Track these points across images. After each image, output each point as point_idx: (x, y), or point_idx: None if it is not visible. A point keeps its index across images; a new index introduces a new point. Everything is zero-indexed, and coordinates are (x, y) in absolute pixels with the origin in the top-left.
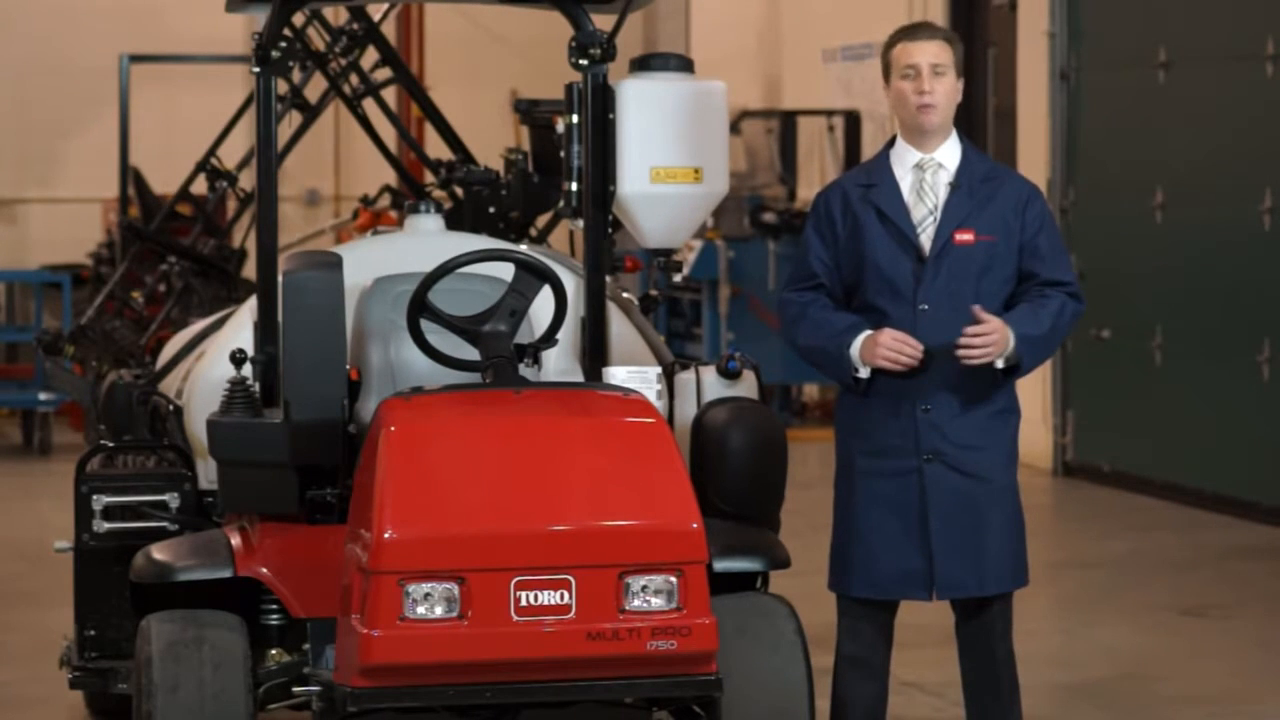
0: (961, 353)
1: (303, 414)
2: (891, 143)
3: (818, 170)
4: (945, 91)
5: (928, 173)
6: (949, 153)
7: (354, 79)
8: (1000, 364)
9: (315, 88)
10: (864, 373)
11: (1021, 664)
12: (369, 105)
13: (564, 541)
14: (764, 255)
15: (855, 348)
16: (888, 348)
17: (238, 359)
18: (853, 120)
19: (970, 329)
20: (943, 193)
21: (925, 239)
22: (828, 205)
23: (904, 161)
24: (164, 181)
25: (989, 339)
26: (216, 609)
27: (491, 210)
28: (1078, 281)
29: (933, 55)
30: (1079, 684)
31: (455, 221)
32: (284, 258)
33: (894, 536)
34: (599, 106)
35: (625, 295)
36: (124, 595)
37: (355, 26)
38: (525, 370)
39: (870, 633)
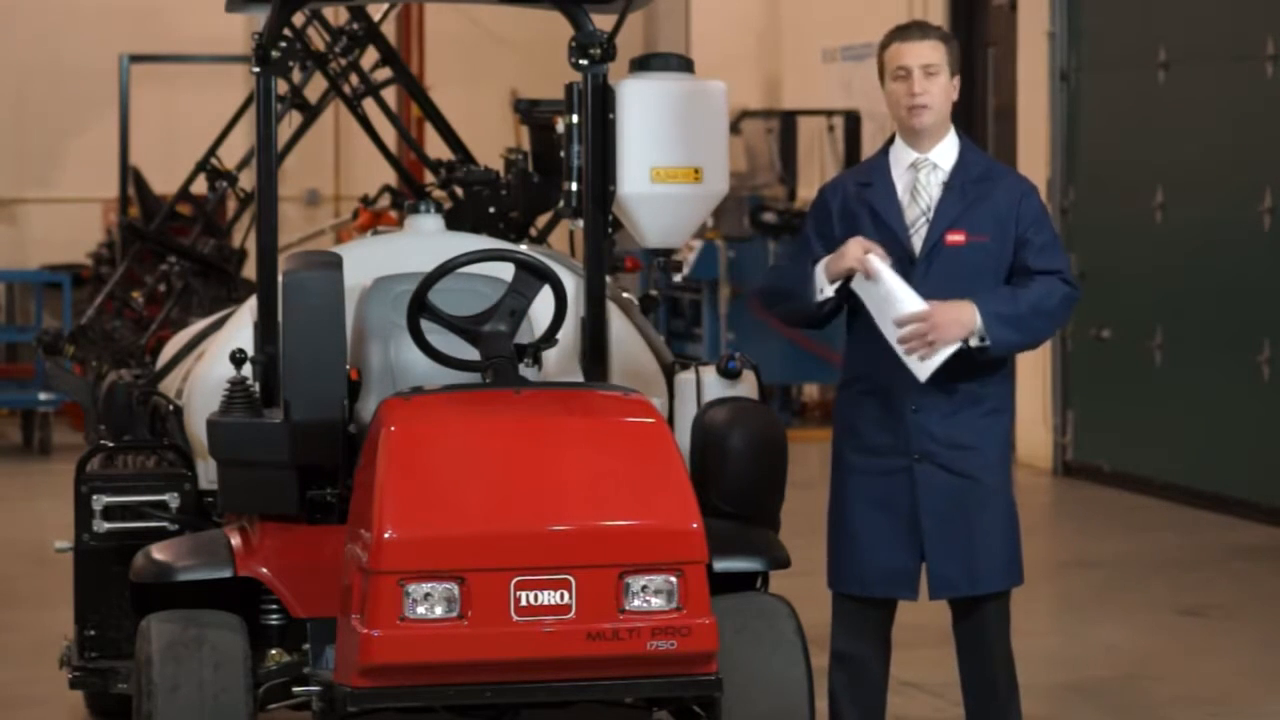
0: (906, 349)
1: (303, 414)
2: (892, 140)
3: (818, 170)
4: (938, 92)
5: (922, 173)
6: (945, 152)
7: (354, 79)
8: (974, 342)
9: (315, 88)
10: (828, 291)
11: (1021, 664)
12: (369, 105)
13: (564, 541)
14: (764, 255)
15: (822, 263)
16: (851, 254)
17: (238, 359)
18: (853, 120)
19: (902, 331)
20: (936, 193)
21: (917, 240)
22: (826, 201)
23: (900, 161)
24: (164, 181)
25: (920, 329)
26: (216, 609)
27: (491, 210)
28: (1070, 271)
29: (924, 56)
30: (1079, 684)
31: (455, 221)
32: (284, 258)
33: (883, 535)
34: (599, 106)
35: (625, 295)
36: (124, 595)
37: (355, 26)
38: (525, 370)
39: (860, 629)
